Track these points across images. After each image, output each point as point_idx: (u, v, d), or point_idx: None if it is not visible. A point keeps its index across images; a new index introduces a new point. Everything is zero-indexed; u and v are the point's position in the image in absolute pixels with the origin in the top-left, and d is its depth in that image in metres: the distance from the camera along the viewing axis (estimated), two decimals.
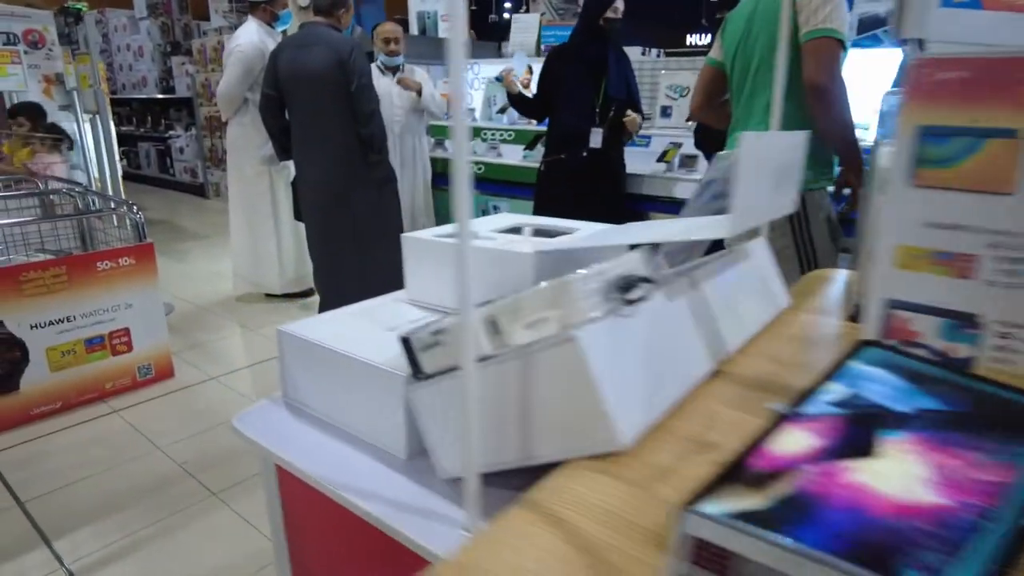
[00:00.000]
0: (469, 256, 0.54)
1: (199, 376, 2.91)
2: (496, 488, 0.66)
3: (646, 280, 0.61)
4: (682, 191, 3.35)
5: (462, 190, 0.53)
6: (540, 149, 3.86)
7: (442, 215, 4.27)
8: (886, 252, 0.63)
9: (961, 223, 0.59)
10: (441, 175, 4.19)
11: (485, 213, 4.15)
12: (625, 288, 0.61)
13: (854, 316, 0.94)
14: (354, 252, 3.46)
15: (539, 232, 1.02)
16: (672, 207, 3.39)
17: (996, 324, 0.60)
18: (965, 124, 0.57)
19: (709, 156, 2.91)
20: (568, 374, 0.58)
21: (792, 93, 1.85)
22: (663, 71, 3.87)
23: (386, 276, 3.70)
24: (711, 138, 2.60)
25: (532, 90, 4.62)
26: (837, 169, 1.91)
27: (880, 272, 0.64)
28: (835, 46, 1.68)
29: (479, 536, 0.52)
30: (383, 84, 3.65)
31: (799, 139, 0.87)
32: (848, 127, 1.77)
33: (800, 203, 1.92)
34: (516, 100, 3.46)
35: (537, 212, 3.56)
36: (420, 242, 0.95)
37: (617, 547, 0.47)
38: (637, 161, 3.43)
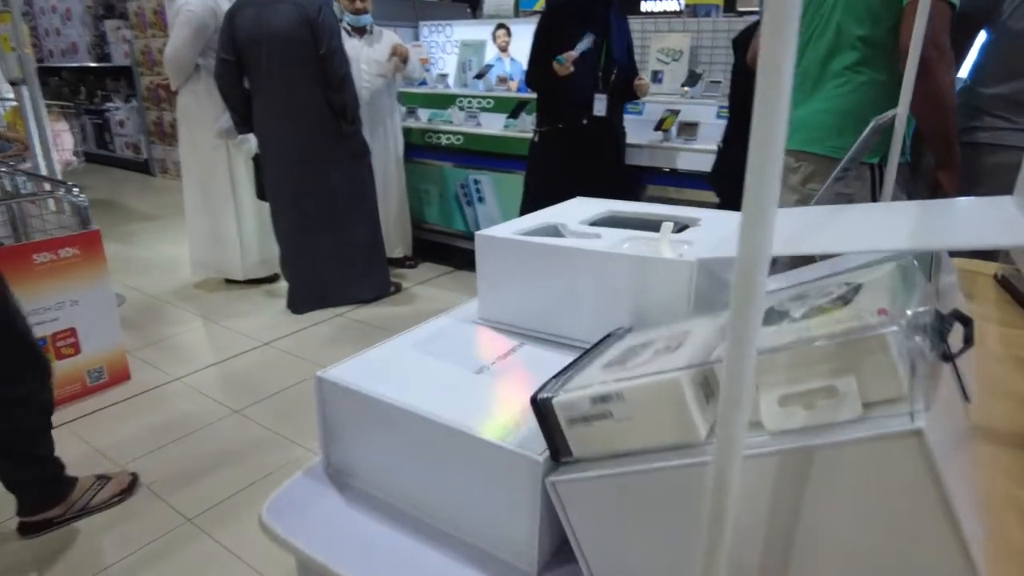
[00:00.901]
0: (760, 296, 0.30)
1: (159, 377, 2.59)
2: None
3: (965, 320, 0.39)
4: (684, 162, 3.14)
5: (763, 195, 0.29)
6: (525, 118, 3.60)
7: (417, 191, 3.97)
8: None
9: None
10: (414, 147, 3.88)
11: (464, 188, 3.87)
12: (942, 333, 0.38)
13: None
14: (327, 233, 3.15)
15: (640, 223, 0.78)
16: (672, 180, 3.18)
17: None
18: None
19: (738, 123, 2.63)
20: (893, 482, 0.35)
21: (880, 58, 1.60)
22: (653, 34, 3.63)
23: (361, 258, 3.43)
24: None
25: (510, 55, 4.32)
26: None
27: None
28: (945, 9, 1.40)
29: None
30: (351, 47, 3.31)
31: None
32: (949, 110, 1.48)
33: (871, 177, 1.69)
34: (537, 77, 3.01)
35: (530, 185, 3.30)
36: (502, 243, 0.70)
37: None
38: (632, 130, 3.20)
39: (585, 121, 3.01)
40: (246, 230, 3.45)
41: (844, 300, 0.42)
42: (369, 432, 0.59)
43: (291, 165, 3.03)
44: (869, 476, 0.35)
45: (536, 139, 3.20)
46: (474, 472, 0.53)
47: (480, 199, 3.78)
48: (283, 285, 3.33)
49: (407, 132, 3.84)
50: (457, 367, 0.63)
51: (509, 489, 0.51)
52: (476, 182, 3.78)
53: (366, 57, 3.47)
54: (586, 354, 0.55)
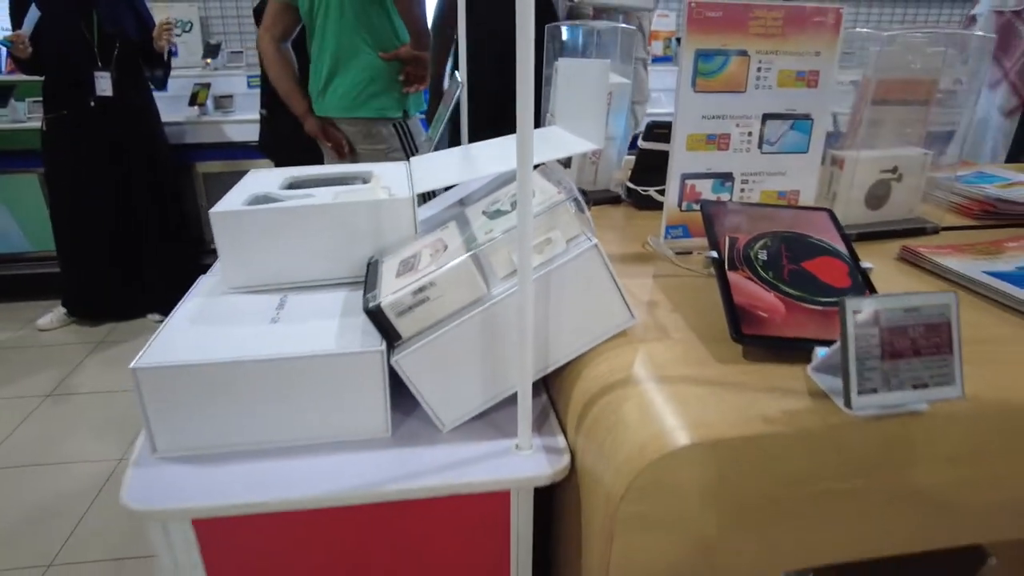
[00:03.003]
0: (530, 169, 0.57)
1: None
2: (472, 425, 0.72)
3: (584, 192, 0.73)
4: (228, 133, 3.14)
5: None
6: (17, 105, 3.00)
7: None
8: (680, 140, 0.90)
9: (720, 113, 0.89)
10: None
11: None
12: (580, 199, 0.72)
13: None
14: None
15: (326, 181, 0.96)
16: (222, 153, 3.15)
17: (740, 176, 0.94)
18: (720, 47, 0.86)
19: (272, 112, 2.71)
20: (589, 276, 0.67)
21: (367, 24, 1.99)
22: (156, 4, 3.39)
23: None
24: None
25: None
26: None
27: (676, 156, 0.91)
28: None
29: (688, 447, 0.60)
30: None
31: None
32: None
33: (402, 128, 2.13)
34: (25, 64, 2.64)
35: (52, 180, 2.84)
36: (242, 215, 0.79)
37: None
38: (164, 109, 3.03)
39: (92, 104, 2.73)
40: None
41: (532, 193, 0.72)
42: (207, 400, 0.66)
43: None
44: (577, 276, 0.67)
45: (45, 128, 2.77)
46: (322, 385, 0.67)
47: None
48: None
49: None
50: (252, 325, 0.73)
51: (358, 384, 0.67)
52: None
53: None
54: (368, 279, 0.75)
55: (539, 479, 0.66)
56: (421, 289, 0.66)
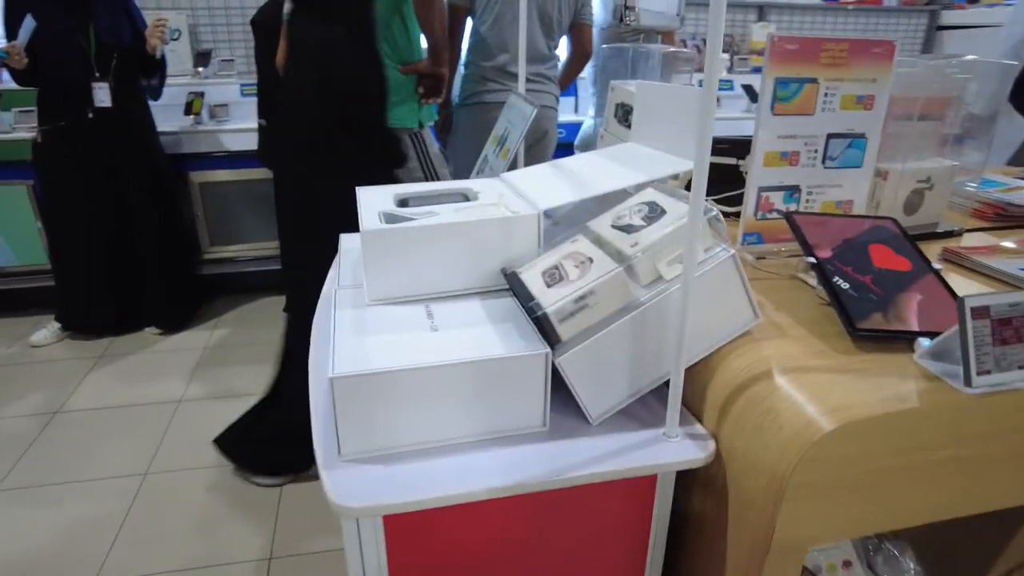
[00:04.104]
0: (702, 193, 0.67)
1: None
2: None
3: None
4: (224, 143, 3.13)
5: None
6: (8, 115, 2.92)
7: None
8: (759, 157, 1.01)
9: (793, 134, 1.01)
10: None
11: None
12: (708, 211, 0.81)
13: None
14: None
15: (437, 198, 1.03)
16: (218, 162, 3.14)
17: (806, 188, 1.06)
18: (794, 76, 0.97)
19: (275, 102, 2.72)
20: (725, 282, 0.77)
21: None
22: (144, 11, 3.34)
23: None
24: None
25: None
26: None
27: (755, 171, 1.01)
28: None
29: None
30: None
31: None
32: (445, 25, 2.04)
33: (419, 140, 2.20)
34: (20, 75, 2.61)
35: (48, 193, 2.78)
36: (386, 233, 0.86)
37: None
38: (159, 118, 3.00)
39: (90, 115, 2.71)
40: None
41: (662, 209, 0.82)
42: (390, 403, 0.72)
43: None
44: (715, 281, 0.77)
45: (40, 139, 2.72)
46: (493, 385, 0.74)
47: None
48: None
49: None
50: (415, 332, 0.80)
51: (523, 382, 0.75)
52: None
53: None
54: (515, 289, 0.83)
55: (692, 462, 0.75)
56: (582, 297, 0.75)
